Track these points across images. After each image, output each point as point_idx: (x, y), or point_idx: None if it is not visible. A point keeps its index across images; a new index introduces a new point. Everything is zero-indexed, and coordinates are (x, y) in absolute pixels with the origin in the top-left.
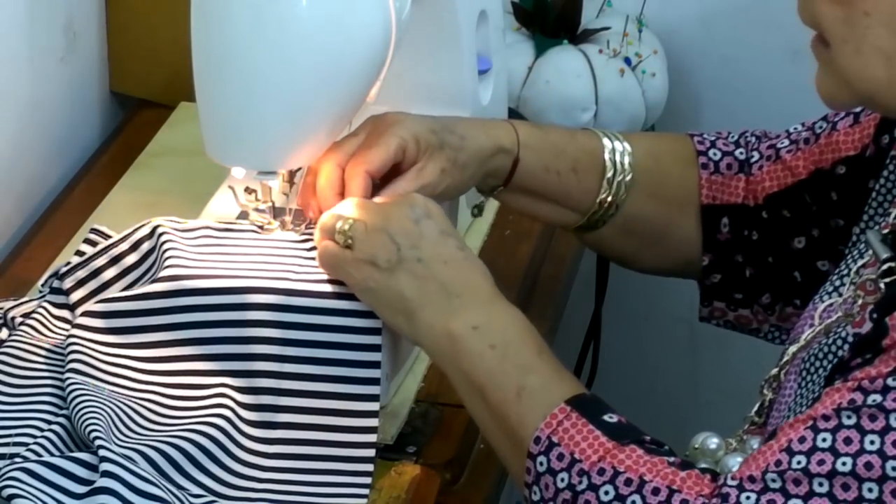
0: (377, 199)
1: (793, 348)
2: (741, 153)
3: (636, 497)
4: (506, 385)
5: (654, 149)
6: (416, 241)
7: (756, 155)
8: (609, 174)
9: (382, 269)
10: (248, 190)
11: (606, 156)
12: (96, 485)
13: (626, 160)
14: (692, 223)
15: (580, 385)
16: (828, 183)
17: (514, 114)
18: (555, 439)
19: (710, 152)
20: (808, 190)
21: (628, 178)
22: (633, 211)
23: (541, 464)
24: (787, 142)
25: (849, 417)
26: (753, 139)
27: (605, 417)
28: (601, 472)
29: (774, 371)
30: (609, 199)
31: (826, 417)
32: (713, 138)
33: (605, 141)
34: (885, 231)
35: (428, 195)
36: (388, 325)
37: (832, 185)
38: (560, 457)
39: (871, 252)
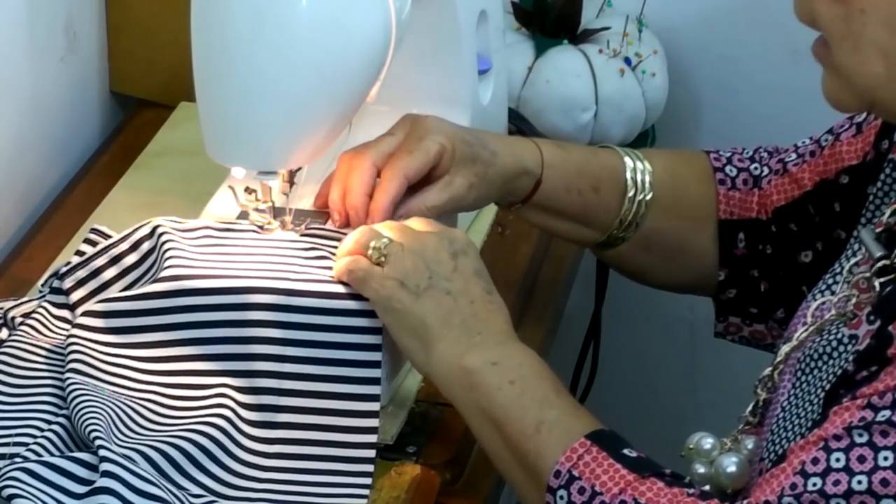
0: (414, 221)
1: (786, 347)
2: (755, 168)
3: None
4: (524, 419)
5: (672, 166)
6: (449, 273)
7: (766, 169)
8: (630, 193)
9: (410, 291)
10: (248, 190)
11: (627, 174)
12: (96, 485)
13: (647, 178)
14: (709, 239)
15: (598, 421)
16: (831, 193)
17: (514, 114)
18: (575, 473)
19: (727, 168)
20: (811, 201)
21: (648, 196)
22: (651, 228)
23: (561, 497)
24: (794, 155)
25: (860, 435)
26: (766, 154)
27: (625, 451)
28: None
29: (768, 371)
30: (629, 217)
31: (837, 437)
32: (729, 154)
33: (627, 160)
34: (879, 230)
35: (454, 208)
36: (401, 349)
37: (835, 195)
38: (581, 490)
39: (863, 250)
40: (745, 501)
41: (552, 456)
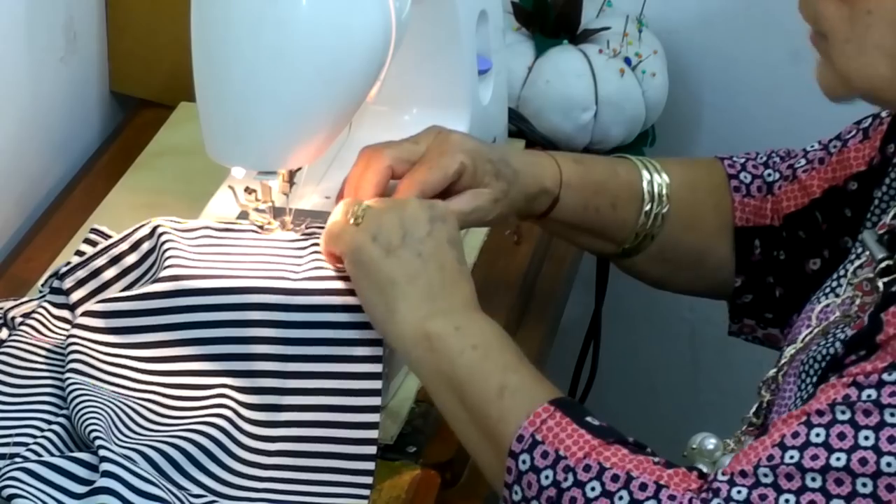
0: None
1: (790, 350)
2: (769, 174)
3: (623, 493)
4: (487, 383)
5: (689, 179)
6: (423, 236)
7: (777, 175)
8: (647, 207)
9: (381, 246)
10: (248, 190)
11: (645, 187)
12: (96, 485)
13: (664, 192)
14: (726, 247)
15: (560, 391)
16: (841, 200)
17: (514, 114)
18: (538, 437)
19: (741, 175)
20: (820, 208)
21: (665, 209)
22: (668, 241)
23: (523, 461)
24: (803, 161)
25: (843, 413)
26: (778, 159)
27: (588, 419)
28: (587, 468)
29: (772, 372)
30: (645, 230)
31: (820, 412)
32: (743, 161)
33: (644, 172)
34: (881, 231)
35: (478, 218)
36: (364, 304)
37: (845, 202)
38: (544, 454)
39: (867, 253)
40: (720, 471)
41: (515, 420)
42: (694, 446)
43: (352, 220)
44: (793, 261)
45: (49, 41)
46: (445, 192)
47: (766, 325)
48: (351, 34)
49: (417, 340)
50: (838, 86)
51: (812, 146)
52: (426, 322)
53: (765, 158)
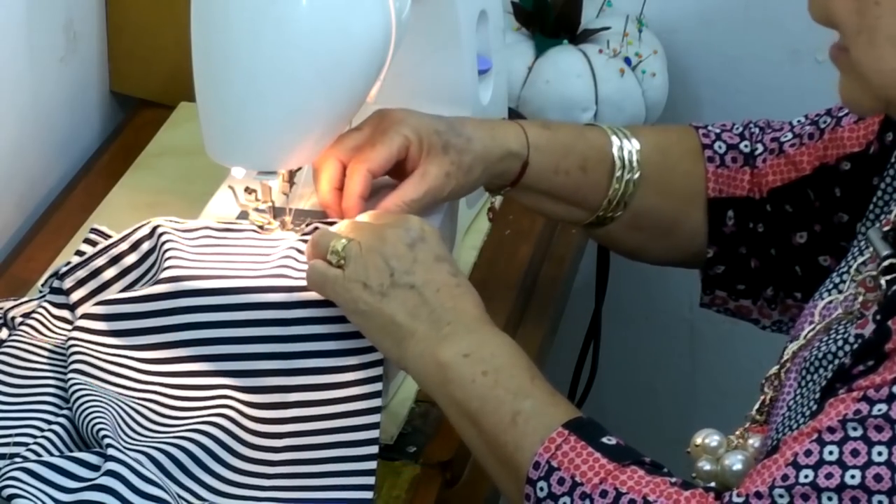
0: (368, 215)
1: (793, 346)
2: (746, 146)
3: None
4: (500, 411)
5: (660, 143)
6: (409, 265)
7: (760, 147)
8: (618, 172)
9: (374, 291)
10: (248, 190)
11: (615, 153)
12: (98, 482)
13: (635, 157)
14: (700, 216)
15: (575, 409)
16: (832, 179)
17: (514, 114)
18: (554, 463)
19: (716, 145)
20: (811, 186)
21: (636, 175)
22: (641, 207)
23: (541, 489)
24: (790, 135)
25: (854, 429)
26: (757, 130)
27: (604, 440)
28: (604, 494)
29: (775, 369)
30: (617, 196)
31: (832, 429)
32: (718, 131)
33: (614, 138)
34: (886, 228)
35: (432, 198)
36: (376, 349)
37: (836, 182)
38: (561, 481)
39: (871, 249)
40: (735, 492)
41: (530, 447)
42: (698, 443)
43: (334, 262)
44: (774, 233)
45: (49, 41)
46: (400, 171)
47: (737, 297)
48: (351, 34)
49: (430, 372)
50: (861, 95)
51: (798, 120)
52: (436, 351)
53: (741, 129)
